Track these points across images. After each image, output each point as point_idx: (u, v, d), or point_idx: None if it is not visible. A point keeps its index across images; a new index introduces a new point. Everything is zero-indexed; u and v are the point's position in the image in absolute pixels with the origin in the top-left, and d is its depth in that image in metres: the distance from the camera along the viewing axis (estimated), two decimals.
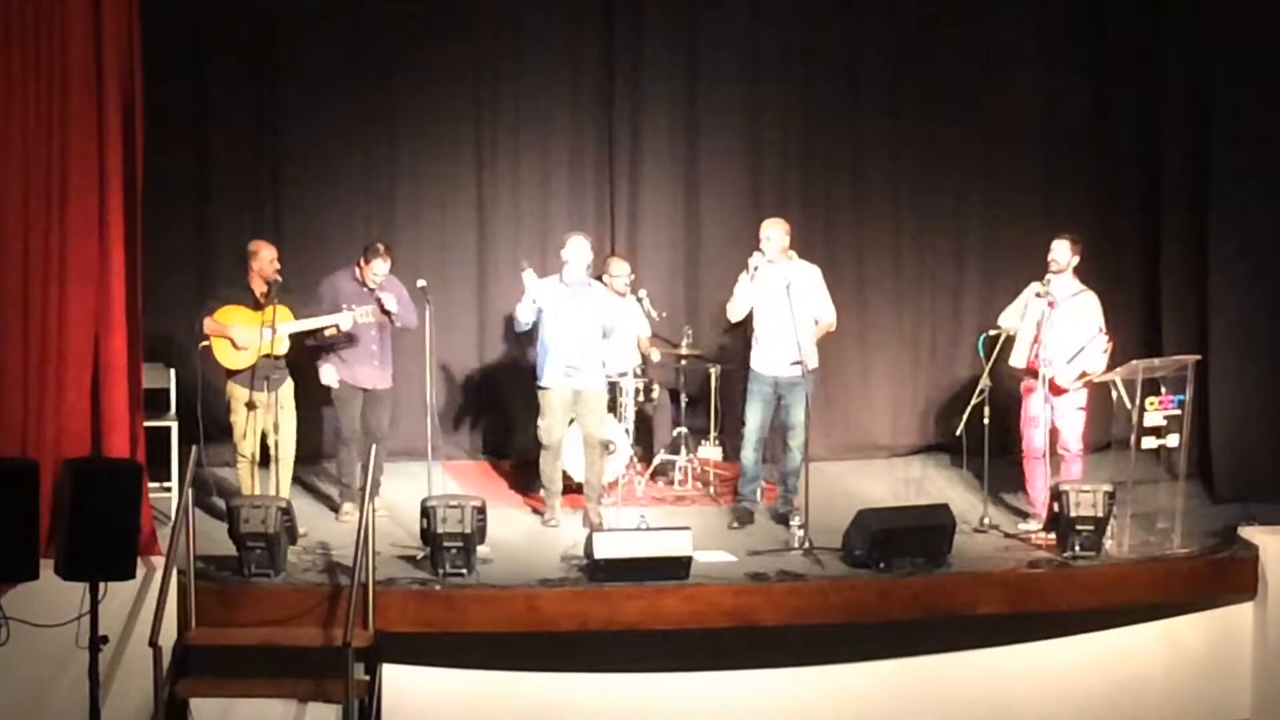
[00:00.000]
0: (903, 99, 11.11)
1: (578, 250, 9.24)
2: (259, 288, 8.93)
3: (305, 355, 9.27)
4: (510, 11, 10.86)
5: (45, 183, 7.75)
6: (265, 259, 8.96)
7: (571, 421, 9.38)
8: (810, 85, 11.10)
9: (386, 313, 9.16)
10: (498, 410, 11.04)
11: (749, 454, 9.53)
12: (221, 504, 8.75)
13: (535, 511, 9.51)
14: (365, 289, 9.22)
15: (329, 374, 9.23)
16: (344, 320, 8.96)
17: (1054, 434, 9.25)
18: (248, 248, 9.09)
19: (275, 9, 10.52)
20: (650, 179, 11.03)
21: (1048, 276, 9.23)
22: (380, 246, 9.26)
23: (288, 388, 9.05)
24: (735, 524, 9.48)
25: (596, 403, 9.30)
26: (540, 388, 9.26)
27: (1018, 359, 9.30)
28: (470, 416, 11.02)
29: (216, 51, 10.42)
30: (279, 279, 8.93)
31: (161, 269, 9.50)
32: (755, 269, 9.28)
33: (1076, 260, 9.28)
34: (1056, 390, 9.16)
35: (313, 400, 9.51)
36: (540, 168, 10.95)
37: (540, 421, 9.31)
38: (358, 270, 9.26)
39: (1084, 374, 9.13)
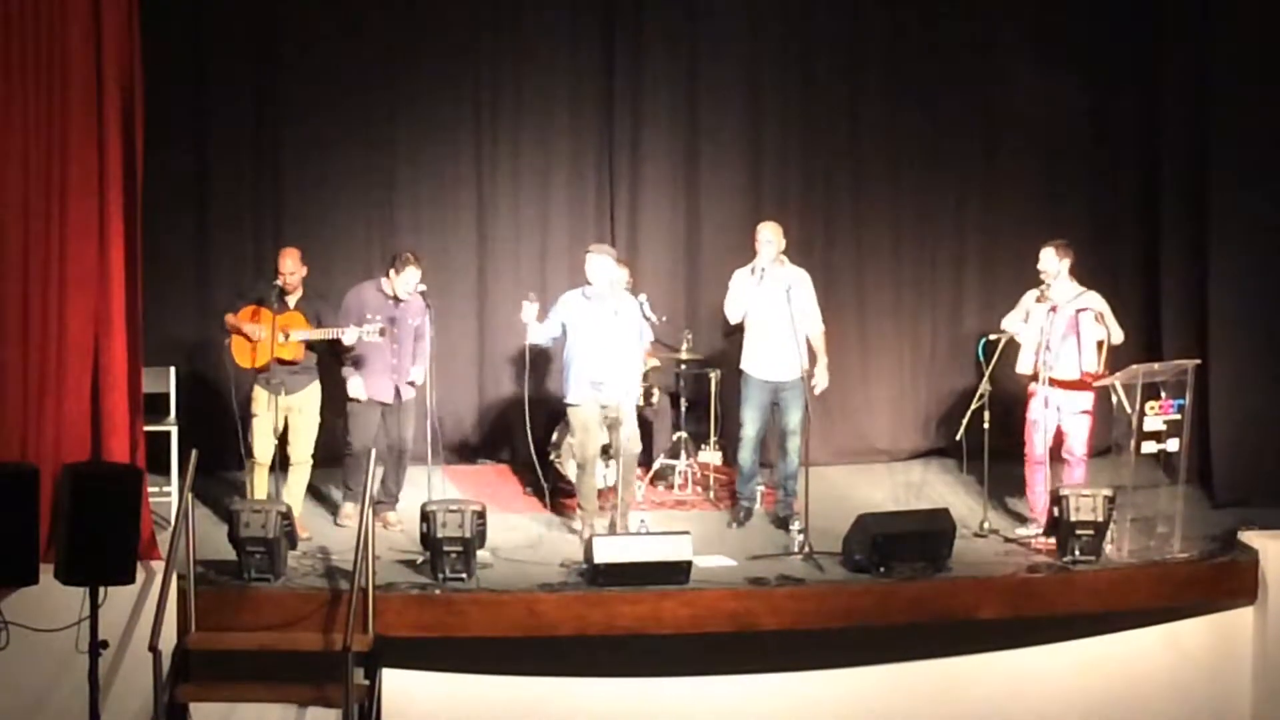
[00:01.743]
0: (903, 102, 11.10)
1: (596, 267, 9.06)
2: (288, 291, 8.92)
3: (332, 364, 9.24)
4: (510, 13, 10.85)
5: (45, 185, 7.75)
6: (283, 267, 8.90)
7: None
8: (810, 88, 11.09)
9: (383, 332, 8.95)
10: (498, 414, 11.03)
11: (746, 456, 9.53)
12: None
13: (571, 531, 9.38)
14: (391, 301, 9.11)
15: (356, 386, 9.13)
16: (348, 335, 8.85)
17: (1060, 439, 9.25)
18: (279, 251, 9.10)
19: (275, 10, 10.51)
20: (650, 182, 11.01)
21: (1045, 285, 9.24)
22: (410, 255, 9.12)
23: (308, 393, 8.99)
24: (735, 523, 9.50)
25: (627, 416, 9.09)
26: (568, 404, 9.15)
27: (1024, 366, 9.29)
28: (470, 420, 11.01)
29: (216, 52, 10.40)
30: (277, 283, 8.91)
31: (161, 272, 9.51)
32: (762, 270, 9.26)
33: (1068, 263, 9.28)
34: (1081, 385, 9.13)
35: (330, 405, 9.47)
36: (540, 170, 10.93)
37: (571, 439, 9.23)
38: (385, 281, 9.16)
39: (1100, 344, 9.11)
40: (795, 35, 11.06)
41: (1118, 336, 9.24)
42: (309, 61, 10.55)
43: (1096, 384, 9.10)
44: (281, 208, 10.60)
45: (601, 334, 9.01)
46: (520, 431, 10.87)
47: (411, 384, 9.24)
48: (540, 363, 10.89)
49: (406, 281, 9.06)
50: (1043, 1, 11.14)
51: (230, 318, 8.91)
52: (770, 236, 9.38)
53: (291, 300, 8.94)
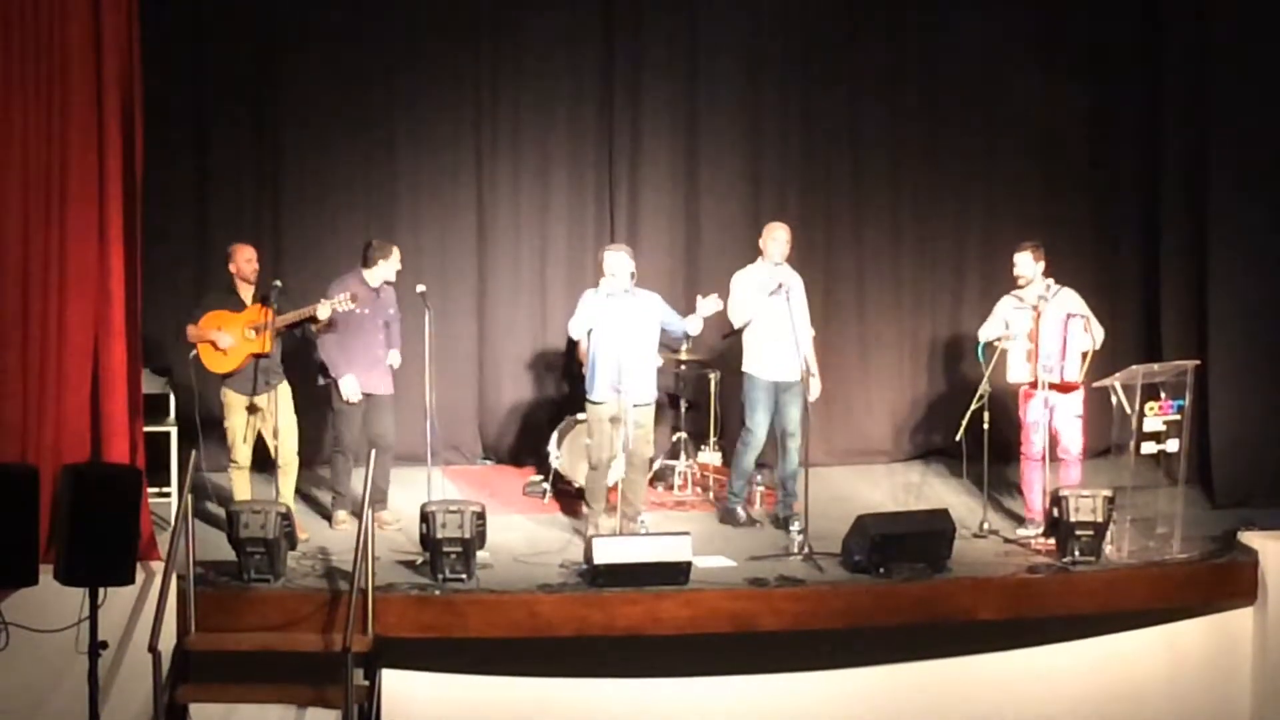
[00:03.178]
0: (902, 104, 11.12)
1: (614, 264, 9.01)
2: (243, 290, 8.91)
3: (311, 363, 9.25)
4: (510, 13, 10.85)
5: (45, 187, 7.74)
6: (241, 259, 8.95)
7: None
8: (810, 88, 11.11)
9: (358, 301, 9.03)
10: (498, 414, 11.03)
11: (752, 460, 9.51)
12: (218, 511, 8.74)
13: (576, 532, 9.35)
14: (372, 290, 9.17)
15: (350, 386, 9.10)
16: (321, 310, 8.84)
17: (1054, 438, 9.25)
18: (227, 250, 9.07)
19: (275, 10, 10.51)
20: (650, 182, 11.02)
21: (1040, 287, 9.24)
22: (374, 243, 9.25)
23: (282, 391, 9.00)
24: (756, 522, 9.50)
25: (644, 418, 9.03)
26: (591, 402, 9.09)
27: (1019, 374, 9.27)
28: (470, 421, 11.00)
29: (216, 53, 10.41)
30: (277, 283, 8.92)
31: (161, 273, 9.52)
32: (775, 267, 9.27)
33: (1042, 265, 9.28)
34: (1066, 387, 9.14)
35: (307, 405, 9.45)
36: (540, 169, 10.94)
37: (588, 439, 9.20)
38: (365, 273, 9.22)
39: (1085, 355, 9.11)
40: (795, 35, 11.06)
41: (1099, 338, 9.23)
42: (309, 61, 10.56)
43: (1096, 385, 9.10)
44: (281, 208, 10.60)
45: (623, 333, 8.98)
46: (519, 430, 10.92)
47: (389, 366, 9.27)
48: (541, 363, 10.92)
49: (394, 264, 9.20)
50: (1043, 2, 11.15)
51: (192, 329, 8.88)
52: (787, 237, 9.41)
53: (247, 294, 8.93)
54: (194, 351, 8.89)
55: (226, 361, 8.84)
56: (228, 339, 8.80)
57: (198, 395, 8.89)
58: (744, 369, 9.50)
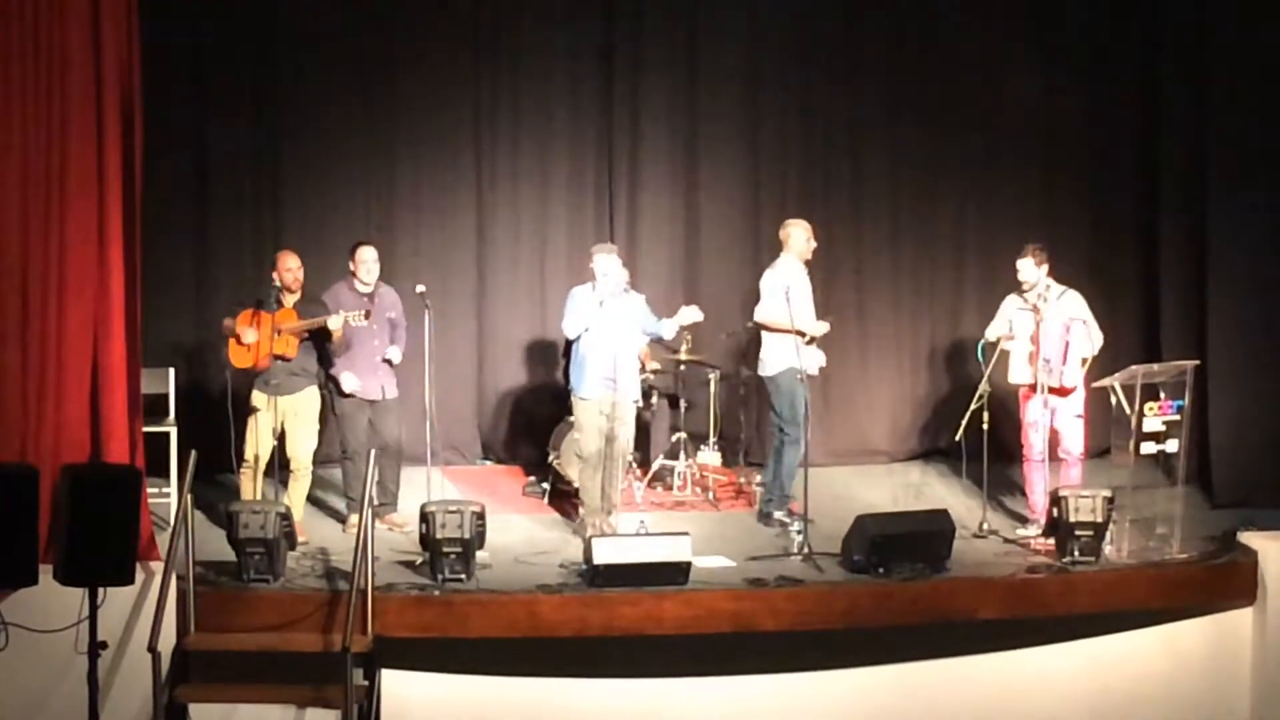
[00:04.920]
0: (902, 103, 11.12)
1: (604, 264, 9.05)
2: (285, 296, 8.93)
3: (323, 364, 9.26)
4: (510, 14, 10.86)
5: (44, 188, 7.74)
6: (282, 268, 8.96)
7: None
8: (810, 88, 11.12)
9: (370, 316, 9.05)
10: (497, 414, 11.03)
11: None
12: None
13: (574, 533, 9.32)
14: (363, 297, 9.19)
15: (350, 380, 9.13)
16: (333, 321, 8.85)
17: (1055, 439, 9.25)
18: (274, 257, 9.11)
19: (275, 12, 10.52)
20: (649, 182, 11.03)
21: (1039, 294, 9.24)
22: (359, 241, 9.26)
23: (305, 396, 8.99)
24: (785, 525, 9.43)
25: (629, 414, 9.11)
26: (579, 399, 9.10)
27: (1021, 375, 9.28)
28: (470, 421, 11.01)
29: (216, 54, 10.41)
30: (275, 284, 8.92)
31: (161, 273, 9.51)
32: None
33: (1046, 269, 9.29)
34: (1063, 391, 9.14)
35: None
36: (540, 170, 10.95)
37: (577, 434, 9.21)
38: (355, 280, 9.23)
39: (1084, 360, 9.11)
40: (795, 37, 11.07)
41: (1098, 342, 9.23)
42: (309, 61, 10.57)
43: (1096, 385, 9.11)
44: (281, 208, 10.62)
45: (612, 332, 9.00)
46: (519, 430, 10.93)
47: (389, 361, 9.25)
48: (541, 363, 10.92)
49: (365, 262, 9.16)
50: (1043, 3, 11.15)
51: (228, 321, 8.92)
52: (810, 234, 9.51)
53: (289, 300, 8.95)
54: (226, 345, 8.93)
55: (246, 357, 8.84)
56: (251, 336, 8.81)
57: (230, 390, 8.85)
58: (783, 366, 9.30)
